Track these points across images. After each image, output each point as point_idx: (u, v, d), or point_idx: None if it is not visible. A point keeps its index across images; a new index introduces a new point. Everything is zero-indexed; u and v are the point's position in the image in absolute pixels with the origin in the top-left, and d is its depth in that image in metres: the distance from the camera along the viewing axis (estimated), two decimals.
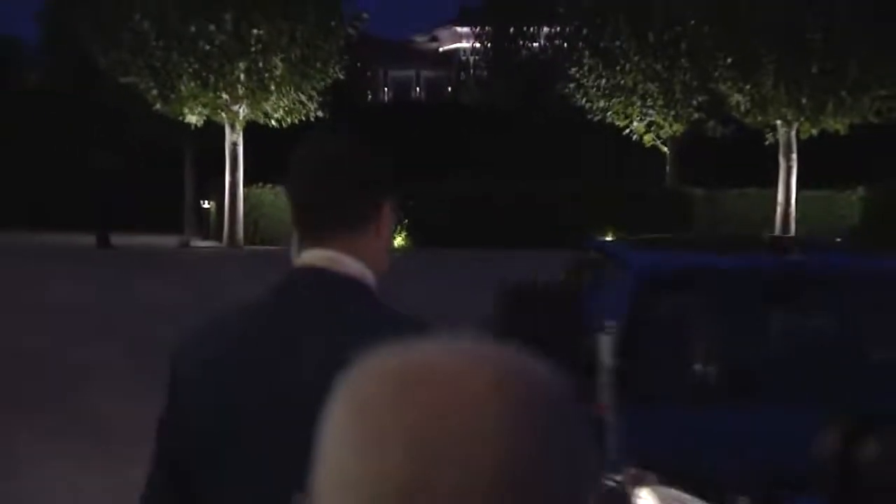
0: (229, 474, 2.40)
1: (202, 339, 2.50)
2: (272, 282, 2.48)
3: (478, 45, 50.95)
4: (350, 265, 2.45)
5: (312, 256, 2.47)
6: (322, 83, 34.22)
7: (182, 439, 2.43)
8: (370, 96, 51.93)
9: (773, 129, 34.77)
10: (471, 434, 0.91)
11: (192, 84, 32.92)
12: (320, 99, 34.04)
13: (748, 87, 33.80)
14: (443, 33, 65.69)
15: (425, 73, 62.93)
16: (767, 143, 35.07)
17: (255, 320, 2.45)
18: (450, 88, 56.28)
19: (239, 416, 2.39)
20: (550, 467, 0.94)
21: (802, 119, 33.96)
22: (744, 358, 6.48)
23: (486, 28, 49.06)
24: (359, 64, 42.76)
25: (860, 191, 35.94)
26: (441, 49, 64.75)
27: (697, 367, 6.21)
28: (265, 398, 2.38)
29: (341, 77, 35.01)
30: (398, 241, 34.34)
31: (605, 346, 5.47)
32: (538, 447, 0.94)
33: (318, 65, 34.06)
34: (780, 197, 34.77)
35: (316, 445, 0.99)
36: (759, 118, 34.45)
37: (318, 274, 2.44)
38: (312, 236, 2.48)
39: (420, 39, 68.29)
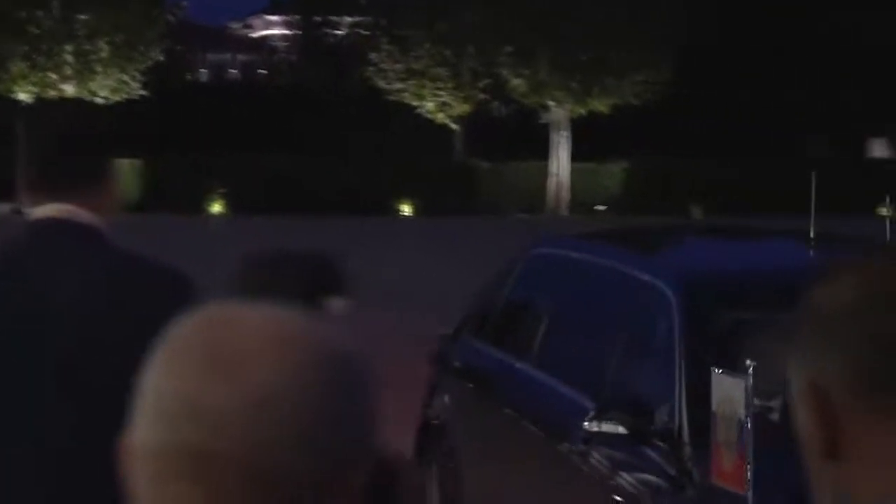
0: None
1: None
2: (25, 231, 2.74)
3: (287, 32, 51.50)
4: (83, 215, 2.65)
5: (51, 209, 2.67)
6: (144, 65, 34.73)
7: None
8: (189, 77, 52.10)
9: (548, 109, 36.54)
10: (251, 366, 0.95)
11: (23, 65, 33.09)
12: (143, 79, 34.56)
13: (526, 72, 35.48)
14: (255, 21, 66.05)
15: (240, 57, 63.20)
16: (543, 121, 36.77)
17: (11, 261, 2.68)
18: (263, 71, 56.71)
19: None
20: (312, 410, 0.95)
21: (572, 101, 35.80)
22: None
23: (295, 17, 49.62)
24: (178, 47, 43.09)
25: (622, 163, 37.69)
26: (254, 35, 65.06)
27: None
28: (18, 325, 2.57)
29: (162, 59, 35.53)
30: (216, 208, 35.06)
31: (736, 389, 3.69)
32: (304, 387, 0.95)
33: (141, 48, 34.56)
34: (553, 168, 36.57)
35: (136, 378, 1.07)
36: (536, 99, 36.20)
37: (58, 223, 2.65)
38: (49, 194, 2.67)
39: (235, 26, 68.43)
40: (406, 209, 37.03)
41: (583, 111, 36.03)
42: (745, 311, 4.69)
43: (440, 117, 38.77)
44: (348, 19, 45.06)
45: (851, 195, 34.56)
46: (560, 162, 36.54)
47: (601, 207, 36.37)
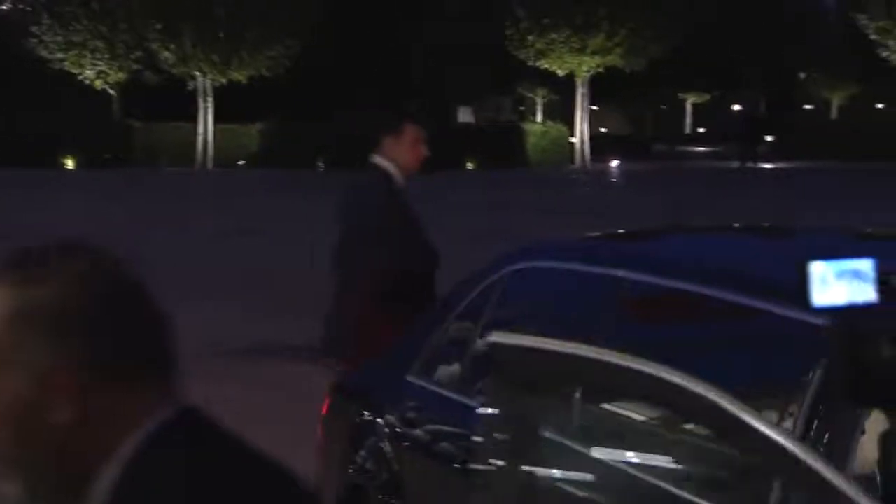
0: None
1: (349, 188, 5.10)
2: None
3: None
4: (381, 161, 5.00)
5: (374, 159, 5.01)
6: None
7: None
8: None
9: (194, 78, 36.77)
10: None
11: None
12: None
13: (173, 46, 35.58)
14: None
15: None
16: (190, 88, 36.98)
17: (350, 187, 5.12)
18: None
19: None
20: None
21: (215, 71, 36.23)
22: None
23: None
24: None
25: (258, 125, 38.47)
26: None
27: None
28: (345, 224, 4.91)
29: None
30: None
31: None
32: None
33: None
34: (200, 129, 36.92)
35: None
36: (183, 69, 36.35)
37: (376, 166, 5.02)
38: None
39: None
40: (69, 163, 36.44)
41: (224, 81, 36.57)
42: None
43: (98, 84, 38.26)
44: None
45: (441, 153, 36.91)
46: (206, 124, 36.96)
47: (241, 162, 37.17)
